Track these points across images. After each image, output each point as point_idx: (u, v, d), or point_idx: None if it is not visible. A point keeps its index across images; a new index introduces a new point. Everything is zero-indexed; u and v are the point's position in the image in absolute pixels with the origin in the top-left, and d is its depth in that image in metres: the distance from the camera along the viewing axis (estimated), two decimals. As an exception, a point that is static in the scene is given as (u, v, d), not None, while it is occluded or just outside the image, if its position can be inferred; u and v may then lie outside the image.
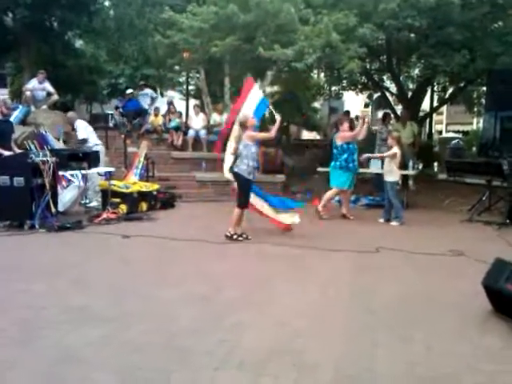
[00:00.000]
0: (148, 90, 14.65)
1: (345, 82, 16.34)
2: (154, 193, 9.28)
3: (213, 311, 4.12)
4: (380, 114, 20.82)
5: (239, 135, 7.09)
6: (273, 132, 7.28)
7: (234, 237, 6.86)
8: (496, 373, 3.16)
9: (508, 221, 8.21)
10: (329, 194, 8.91)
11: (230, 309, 4.17)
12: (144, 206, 8.96)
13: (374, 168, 9.81)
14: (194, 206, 9.96)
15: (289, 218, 7.31)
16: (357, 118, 23.32)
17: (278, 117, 7.57)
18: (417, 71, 15.84)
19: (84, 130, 9.72)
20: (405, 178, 10.69)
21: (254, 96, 8.01)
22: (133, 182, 9.32)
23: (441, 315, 4.15)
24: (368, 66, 14.78)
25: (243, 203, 6.92)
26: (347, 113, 14.01)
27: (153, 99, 14.46)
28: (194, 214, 9.23)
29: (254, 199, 7.26)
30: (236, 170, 6.88)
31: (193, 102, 17.53)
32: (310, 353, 3.36)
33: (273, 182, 11.57)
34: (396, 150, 8.51)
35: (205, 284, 4.86)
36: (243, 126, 7.01)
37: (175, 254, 6.14)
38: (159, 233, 7.11)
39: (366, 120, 9.49)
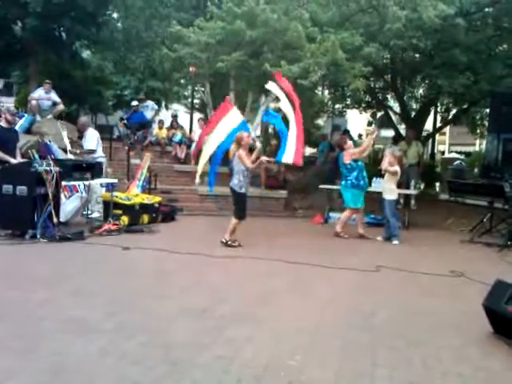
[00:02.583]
0: (149, 102, 14.70)
1: (349, 100, 16.43)
2: (156, 205, 9.29)
3: (211, 325, 4.10)
4: (383, 132, 20.92)
5: (234, 153, 7.51)
6: (249, 163, 7.38)
7: (229, 243, 7.37)
8: (495, 396, 3.14)
9: (509, 243, 8.19)
10: (345, 214, 8.89)
11: (228, 323, 4.16)
12: (145, 218, 8.97)
13: (376, 187, 9.82)
14: (195, 219, 9.97)
15: None
16: (360, 136, 23.47)
17: (258, 144, 7.81)
18: (421, 91, 15.92)
19: (96, 139, 9.74)
20: (407, 197, 10.72)
21: (232, 119, 8.07)
22: (135, 194, 9.34)
23: (441, 335, 4.13)
24: (372, 85, 14.87)
25: (239, 215, 7.45)
26: (346, 132, 14.03)
27: (155, 111, 14.49)
28: (195, 227, 9.24)
29: None
30: (230, 184, 7.49)
31: (197, 115, 17.63)
32: (308, 370, 3.34)
33: (275, 197, 11.60)
34: (397, 168, 8.55)
35: (204, 298, 4.85)
36: (238, 143, 7.41)
37: (175, 267, 6.13)
38: (160, 245, 7.12)
39: (376, 133, 9.53)
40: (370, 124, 28.43)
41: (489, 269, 6.38)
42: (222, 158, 8.51)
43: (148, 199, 9.23)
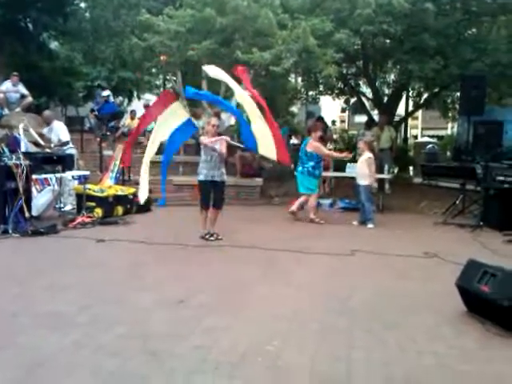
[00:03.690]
0: (100, 91, 14.29)
1: (321, 86, 16.44)
2: (130, 197, 9.19)
3: (188, 315, 4.09)
4: (357, 118, 21.04)
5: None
6: (207, 141, 7.05)
7: (206, 236, 7.07)
8: (470, 373, 3.20)
9: (481, 223, 8.35)
10: (310, 201, 8.94)
11: (205, 313, 4.15)
12: (120, 210, 8.88)
13: (350, 172, 9.89)
14: (170, 209, 9.89)
15: None
16: (333, 122, 23.56)
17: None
18: (392, 76, 16.01)
19: (66, 131, 9.57)
20: (381, 181, 10.82)
21: (175, 114, 7.28)
22: (108, 186, 9.23)
23: (415, 316, 4.19)
24: (344, 71, 14.89)
25: (200, 203, 7.18)
26: (321, 119, 14.04)
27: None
28: (170, 218, 9.17)
29: None
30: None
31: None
32: (285, 356, 3.36)
33: (250, 185, 11.59)
34: (368, 154, 8.63)
35: (180, 288, 4.83)
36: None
37: (151, 258, 6.08)
38: (135, 237, 7.06)
39: (348, 156, 9.55)
40: (343, 110, 28.56)
41: (462, 249, 6.50)
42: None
43: (122, 191, 9.13)
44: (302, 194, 9.05)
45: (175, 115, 7.26)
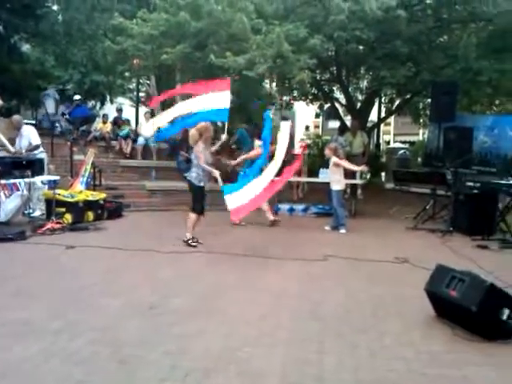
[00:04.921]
0: (50, 91, 13.96)
1: (296, 92, 16.54)
2: (101, 202, 9.06)
3: (160, 321, 4.06)
4: (331, 123, 21.21)
5: (194, 143, 7.08)
6: (202, 162, 7.01)
7: (189, 242, 7.01)
8: (439, 377, 3.24)
9: (451, 228, 8.48)
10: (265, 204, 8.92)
11: (177, 318, 4.12)
12: (90, 215, 8.75)
13: (323, 177, 9.94)
14: (142, 215, 9.81)
15: None
16: (307, 127, 23.67)
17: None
18: (365, 83, 16.21)
19: (36, 134, 9.38)
20: (353, 186, 10.92)
21: (220, 100, 7.52)
22: (79, 191, 9.08)
23: (386, 321, 4.23)
24: (318, 77, 15.02)
25: (197, 209, 7.11)
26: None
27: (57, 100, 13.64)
28: (143, 223, 9.09)
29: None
30: (188, 177, 7.17)
31: (143, 109, 17.32)
32: (257, 361, 3.35)
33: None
34: (335, 159, 8.71)
35: (153, 294, 4.78)
36: (200, 134, 7.01)
37: (122, 264, 6.01)
38: (106, 243, 6.97)
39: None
40: (317, 116, 28.77)
41: (432, 254, 6.58)
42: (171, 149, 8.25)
43: (93, 196, 9.00)
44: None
45: (219, 101, 7.48)
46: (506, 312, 3.78)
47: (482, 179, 8.97)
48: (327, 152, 8.96)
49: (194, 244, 7.01)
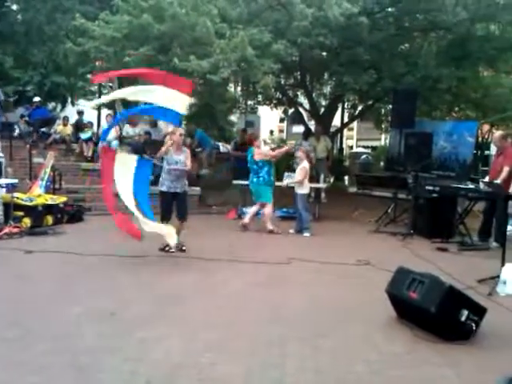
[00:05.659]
0: (37, 98, 13.60)
1: (260, 96, 16.58)
2: (61, 206, 8.85)
3: (120, 328, 3.98)
4: (295, 128, 21.36)
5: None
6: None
7: (166, 248, 6.77)
8: (398, 377, 3.27)
9: (412, 231, 8.63)
10: (267, 212, 8.87)
11: (137, 324, 4.04)
12: (50, 219, 8.53)
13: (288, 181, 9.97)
14: (104, 219, 9.56)
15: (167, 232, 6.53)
16: (271, 132, 23.77)
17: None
18: (328, 88, 16.38)
19: None
20: (317, 190, 11.00)
21: (126, 164, 6.84)
22: (38, 195, 8.86)
23: (348, 323, 4.26)
24: (282, 82, 15.10)
25: (161, 214, 6.88)
26: (244, 130, 14.07)
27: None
28: (104, 227, 8.86)
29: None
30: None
31: (105, 111, 17.05)
32: (219, 366, 3.32)
33: (189, 194, 11.44)
34: (306, 164, 8.77)
35: (112, 300, 4.69)
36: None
37: (82, 270, 5.87)
38: (65, 248, 6.80)
39: (287, 149, 9.65)
40: (282, 121, 28.95)
41: (393, 257, 6.67)
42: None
43: (52, 199, 8.78)
44: (257, 204, 8.99)
45: (125, 167, 6.78)
46: (465, 313, 3.86)
47: (441, 183, 9.16)
48: (301, 154, 8.95)
49: (172, 251, 6.73)
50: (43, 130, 12.59)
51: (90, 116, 15.48)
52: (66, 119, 13.45)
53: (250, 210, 9.09)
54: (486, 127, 17.62)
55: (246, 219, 8.91)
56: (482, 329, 3.97)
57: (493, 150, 8.54)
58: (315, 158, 11.47)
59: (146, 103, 7.46)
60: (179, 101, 6.63)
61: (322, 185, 10.83)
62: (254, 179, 8.94)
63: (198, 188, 11.69)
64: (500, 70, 13.79)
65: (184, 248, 6.91)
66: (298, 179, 8.77)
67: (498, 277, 5.32)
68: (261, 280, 5.63)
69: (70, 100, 18.32)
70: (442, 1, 10.39)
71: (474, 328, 3.88)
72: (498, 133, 8.72)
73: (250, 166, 9.06)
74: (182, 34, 10.55)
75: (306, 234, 8.60)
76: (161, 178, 6.96)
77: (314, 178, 10.14)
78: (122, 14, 10.92)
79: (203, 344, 3.68)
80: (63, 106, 18.55)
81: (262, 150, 8.98)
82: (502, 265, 5.36)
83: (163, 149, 6.92)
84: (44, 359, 3.34)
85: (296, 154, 9.47)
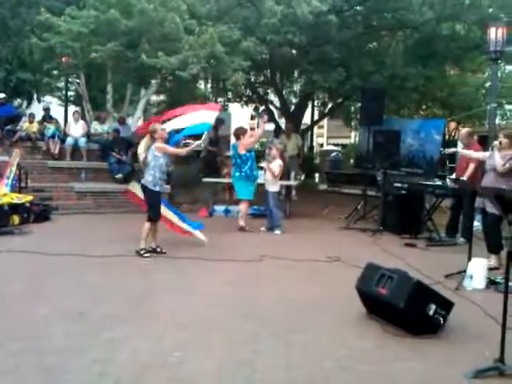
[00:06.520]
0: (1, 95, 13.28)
1: (230, 93, 16.55)
2: (27, 205, 8.62)
3: (88, 328, 3.91)
4: (266, 126, 21.30)
5: (149, 145, 6.67)
6: (184, 151, 7.28)
7: (142, 252, 6.46)
8: (367, 373, 3.30)
9: (381, 228, 8.74)
10: (244, 207, 8.83)
11: (106, 324, 3.98)
12: (16, 219, 8.29)
13: (259, 179, 9.95)
14: (71, 218, 9.45)
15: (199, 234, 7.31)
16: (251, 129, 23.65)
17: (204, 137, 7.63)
18: (298, 86, 16.46)
19: None
20: (288, 188, 11.04)
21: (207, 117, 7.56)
22: (3, 194, 8.61)
23: (319, 319, 4.28)
24: (252, 80, 15.10)
25: (153, 216, 6.62)
26: (216, 128, 13.92)
27: None
28: (72, 226, 8.76)
29: (164, 210, 6.96)
30: (142, 181, 6.66)
31: (72, 108, 16.74)
32: (188, 366, 3.29)
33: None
34: (279, 161, 8.77)
35: (81, 300, 4.61)
36: (152, 136, 6.65)
37: (49, 270, 5.74)
38: (32, 247, 6.64)
39: (263, 125, 9.58)
40: (252, 118, 28.93)
41: (363, 253, 6.73)
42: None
43: (18, 198, 8.55)
44: (240, 200, 8.91)
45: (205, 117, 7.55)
46: (433, 308, 3.91)
47: (409, 180, 9.31)
48: (274, 152, 8.90)
49: (146, 255, 6.45)
50: (8, 127, 12.24)
51: (56, 113, 15.18)
52: (32, 116, 13.12)
53: (240, 212, 8.95)
54: (452, 125, 18.01)
55: (242, 222, 8.76)
56: (449, 323, 4.04)
57: (459, 147, 8.69)
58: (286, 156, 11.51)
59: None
60: (208, 115, 7.57)
61: (292, 182, 10.86)
62: (236, 173, 8.81)
63: (167, 186, 11.58)
64: (466, 69, 14.12)
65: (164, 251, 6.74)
66: (276, 173, 8.72)
67: (465, 271, 5.42)
68: (232, 278, 5.61)
69: (35, 96, 17.90)
70: (409, 0, 10.55)
71: (441, 322, 3.95)
72: (464, 130, 8.89)
73: (233, 160, 8.95)
74: (151, 30, 10.44)
75: (277, 232, 8.61)
76: (152, 178, 6.53)
77: (284, 175, 10.14)
78: (89, 8, 10.72)
79: (173, 343, 3.65)
80: (29, 103, 18.11)
81: (243, 141, 8.83)
82: (469, 260, 5.46)
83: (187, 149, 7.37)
84: (10, 360, 3.27)
85: (269, 152, 9.40)
